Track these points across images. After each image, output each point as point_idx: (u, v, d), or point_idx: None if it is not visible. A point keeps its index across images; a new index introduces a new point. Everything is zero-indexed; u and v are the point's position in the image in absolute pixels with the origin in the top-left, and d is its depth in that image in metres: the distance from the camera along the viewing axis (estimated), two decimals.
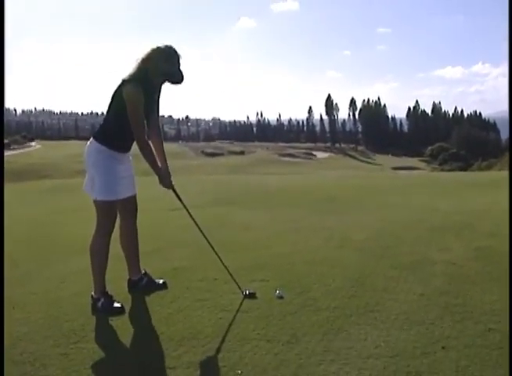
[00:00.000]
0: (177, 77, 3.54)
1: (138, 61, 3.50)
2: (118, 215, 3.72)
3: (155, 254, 4.78)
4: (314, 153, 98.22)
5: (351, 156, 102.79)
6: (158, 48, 3.49)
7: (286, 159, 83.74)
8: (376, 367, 2.60)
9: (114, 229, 3.67)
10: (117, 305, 3.53)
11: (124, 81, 3.46)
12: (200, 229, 3.80)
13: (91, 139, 3.62)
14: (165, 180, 3.70)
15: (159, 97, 3.75)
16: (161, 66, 3.45)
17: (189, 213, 3.78)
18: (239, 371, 2.61)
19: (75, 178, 14.20)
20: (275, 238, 5.56)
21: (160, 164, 3.69)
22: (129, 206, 3.79)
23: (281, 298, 3.62)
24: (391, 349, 2.79)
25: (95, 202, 3.58)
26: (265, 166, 64.92)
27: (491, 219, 6.26)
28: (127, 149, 3.67)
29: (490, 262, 4.33)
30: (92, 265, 3.63)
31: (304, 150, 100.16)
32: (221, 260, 3.80)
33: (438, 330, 3.00)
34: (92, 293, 3.60)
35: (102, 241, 3.60)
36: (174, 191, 3.77)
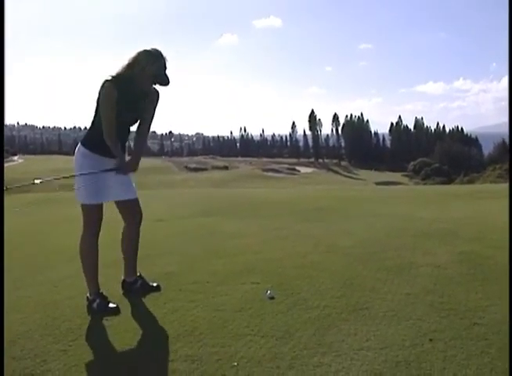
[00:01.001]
0: (165, 78, 3.55)
1: (124, 64, 3.52)
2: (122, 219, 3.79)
3: (144, 261, 4.78)
4: (297, 168, 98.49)
5: (334, 171, 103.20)
6: (145, 50, 3.50)
7: (270, 174, 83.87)
8: (367, 358, 2.71)
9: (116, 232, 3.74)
10: (112, 305, 3.59)
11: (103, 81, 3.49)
12: None
13: (79, 144, 3.70)
14: (123, 170, 3.68)
15: (155, 107, 3.77)
16: (149, 68, 3.46)
17: None
18: (236, 363, 2.70)
19: (59, 192, 14.12)
20: (265, 245, 5.66)
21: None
22: (128, 210, 3.84)
23: (272, 298, 3.71)
24: (380, 342, 2.89)
25: (81, 205, 3.67)
26: (249, 181, 65.07)
27: (473, 226, 6.41)
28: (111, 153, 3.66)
29: (474, 264, 4.46)
30: (84, 267, 3.71)
31: (287, 165, 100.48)
32: None
33: (425, 325, 3.11)
34: (88, 294, 3.66)
35: (90, 243, 3.68)
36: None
